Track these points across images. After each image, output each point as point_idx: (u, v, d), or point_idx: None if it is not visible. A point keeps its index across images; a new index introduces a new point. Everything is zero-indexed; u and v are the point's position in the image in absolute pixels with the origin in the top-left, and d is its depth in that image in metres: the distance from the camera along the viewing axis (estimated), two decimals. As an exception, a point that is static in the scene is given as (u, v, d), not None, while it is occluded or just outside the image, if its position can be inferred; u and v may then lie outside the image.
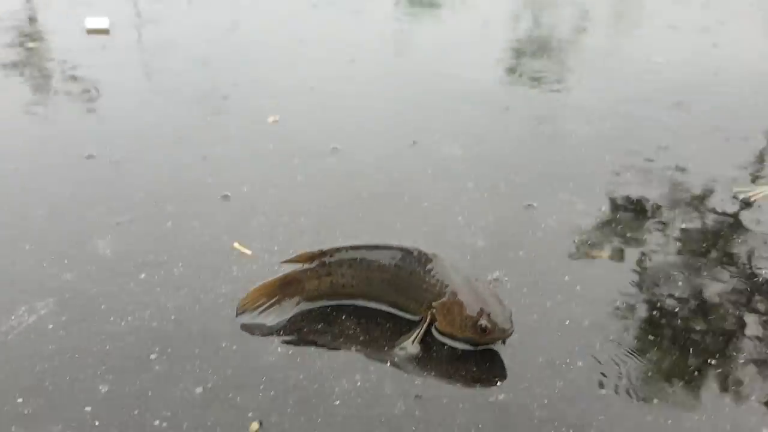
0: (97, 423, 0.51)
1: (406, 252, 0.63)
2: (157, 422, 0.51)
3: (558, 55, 1.46)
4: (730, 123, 1.09)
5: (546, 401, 0.55)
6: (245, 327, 0.62)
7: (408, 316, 0.63)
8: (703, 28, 1.66)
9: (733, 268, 0.73)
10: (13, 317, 0.61)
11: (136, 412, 0.52)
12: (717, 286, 0.70)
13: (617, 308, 0.67)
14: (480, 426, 0.52)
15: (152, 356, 0.57)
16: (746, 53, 1.47)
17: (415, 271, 0.62)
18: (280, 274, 0.64)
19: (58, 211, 0.79)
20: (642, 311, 0.66)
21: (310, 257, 0.64)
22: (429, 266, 0.62)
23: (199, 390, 0.54)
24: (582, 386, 0.56)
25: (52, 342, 0.58)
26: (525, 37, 1.55)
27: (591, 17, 1.66)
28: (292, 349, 0.60)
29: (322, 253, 0.64)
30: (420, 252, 0.62)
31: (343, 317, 0.64)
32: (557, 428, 0.52)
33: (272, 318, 0.63)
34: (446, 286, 0.61)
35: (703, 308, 0.67)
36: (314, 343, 0.60)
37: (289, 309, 0.64)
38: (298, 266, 0.64)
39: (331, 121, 1.07)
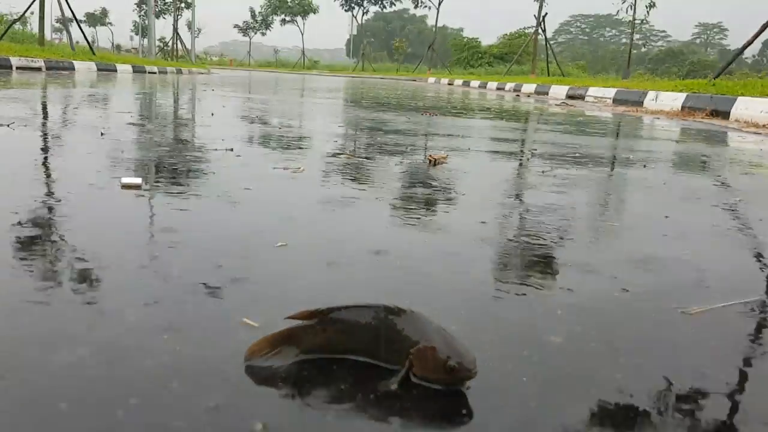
0: (123, 417, 0.61)
1: (388, 309, 0.76)
2: (177, 423, 0.61)
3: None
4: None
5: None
6: (250, 367, 0.73)
7: (390, 367, 0.75)
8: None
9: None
10: (59, 355, 0.72)
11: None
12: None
13: (570, 379, 0.78)
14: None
15: (174, 384, 0.68)
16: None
17: (394, 325, 0.75)
18: (283, 328, 0.76)
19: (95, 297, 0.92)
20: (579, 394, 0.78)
21: (309, 315, 0.77)
22: (407, 320, 0.75)
23: (210, 404, 0.65)
24: (531, 418, 0.67)
25: (91, 370, 0.69)
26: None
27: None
28: (287, 383, 0.70)
29: (320, 312, 0.77)
30: (399, 308, 0.76)
31: (335, 367, 0.75)
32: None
33: (275, 363, 0.74)
34: (421, 336, 0.73)
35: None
36: (307, 381, 0.71)
37: (289, 358, 0.75)
38: (298, 322, 0.77)
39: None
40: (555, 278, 1.14)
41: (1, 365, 0.70)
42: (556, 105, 9.30)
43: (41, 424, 0.61)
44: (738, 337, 0.93)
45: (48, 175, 1.89)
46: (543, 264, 1.22)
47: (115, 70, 13.67)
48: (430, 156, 2.67)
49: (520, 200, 1.92)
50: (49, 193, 1.59)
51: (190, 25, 36.18)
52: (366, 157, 2.67)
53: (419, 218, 1.55)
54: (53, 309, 0.86)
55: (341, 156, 2.67)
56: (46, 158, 2.22)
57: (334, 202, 1.68)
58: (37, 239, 1.18)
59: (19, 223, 1.27)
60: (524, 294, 1.04)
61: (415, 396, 0.70)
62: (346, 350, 0.77)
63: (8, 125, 2.85)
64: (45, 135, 2.77)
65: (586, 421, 0.67)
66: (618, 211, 1.93)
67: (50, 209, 1.41)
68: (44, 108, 4.34)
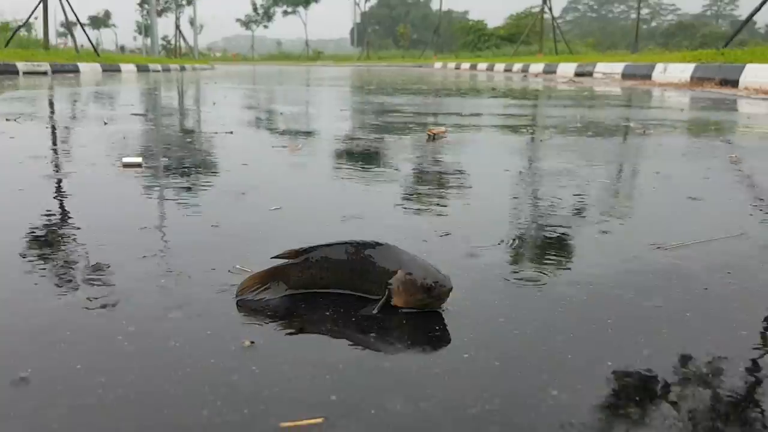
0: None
1: (366, 245, 0.81)
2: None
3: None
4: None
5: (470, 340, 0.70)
6: (242, 301, 0.79)
7: (373, 297, 0.80)
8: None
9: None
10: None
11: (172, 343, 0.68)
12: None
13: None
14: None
15: (173, 312, 0.74)
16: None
17: (373, 258, 0.80)
18: (270, 266, 0.82)
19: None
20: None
21: (295, 254, 0.82)
22: (383, 253, 0.80)
23: (206, 327, 0.70)
24: (499, 332, 0.72)
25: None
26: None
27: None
28: (276, 313, 0.76)
29: (304, 251, 0.82)
30: (376, 243, 0.81)
31: (320, 299, 0.80)
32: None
33: (264, 297, 0.79)
34: (397, 265, 0.78)
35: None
36: (297, 308, 0.77)
37: (278, 293, 0.80)
38: (284, 261, 0.82)
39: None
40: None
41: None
42: (563, 83, 9.24)
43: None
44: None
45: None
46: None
47: (119, 70, 13.65)
48: (430, 131, 2.71)
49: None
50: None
51: (192, 22, 36.16)
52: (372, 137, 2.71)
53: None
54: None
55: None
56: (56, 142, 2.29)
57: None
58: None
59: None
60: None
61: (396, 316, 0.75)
62: (331, 284, 0.82)
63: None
64: (53, 127, 2.84)
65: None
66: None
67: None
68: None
